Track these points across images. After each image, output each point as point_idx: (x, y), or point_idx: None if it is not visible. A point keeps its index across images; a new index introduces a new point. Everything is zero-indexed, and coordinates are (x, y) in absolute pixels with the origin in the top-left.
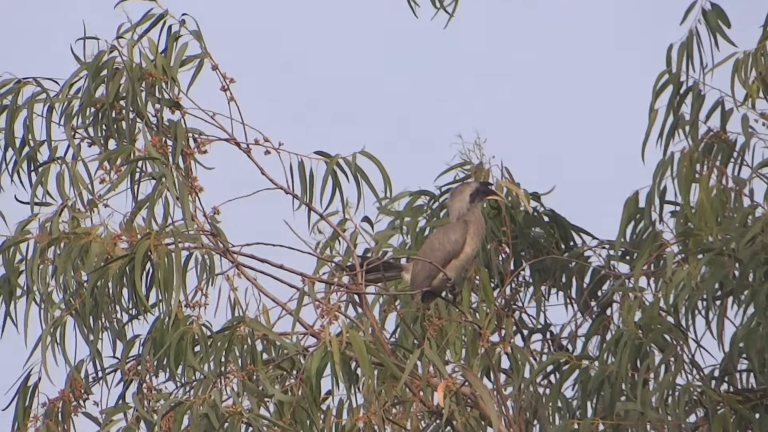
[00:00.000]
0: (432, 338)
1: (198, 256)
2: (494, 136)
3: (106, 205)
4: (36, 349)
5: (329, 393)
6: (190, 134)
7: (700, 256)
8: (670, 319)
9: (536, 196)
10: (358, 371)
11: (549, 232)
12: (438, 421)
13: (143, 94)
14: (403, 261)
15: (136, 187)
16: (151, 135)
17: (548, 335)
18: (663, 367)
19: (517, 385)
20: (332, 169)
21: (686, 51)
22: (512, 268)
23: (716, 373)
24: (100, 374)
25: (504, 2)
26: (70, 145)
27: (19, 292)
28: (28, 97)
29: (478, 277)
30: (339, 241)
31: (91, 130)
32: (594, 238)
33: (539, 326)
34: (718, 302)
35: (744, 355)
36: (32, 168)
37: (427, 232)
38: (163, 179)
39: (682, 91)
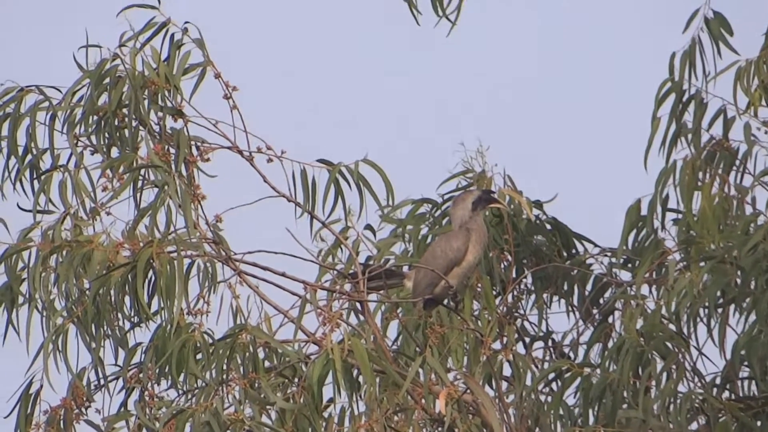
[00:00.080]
0: (434, 346)
1: (200, 264)
2: (495, 143)
3: (108, 213)
4: (38, 357)
5: (331, 401)
6: (192, 142)
7: (702, 263)
8: (672, 326)
9: (539, 204)
10: (360, 379)
11: (551, 240)
12: (440, 429)
13: (146, 102)
14: (405, 269)
15: (138, 195)
16: (153, 143)
17: (550, 343)
18: (665, 374)
19: (519, 393)
20: (335, 177)
21: (689, 59)
22: (514, 275)
23: (718, 381)
24: (102, 382)
25: (504, 3)
26: (73, 153)
27: (21, 299)
28: (30, 105)
29: (480, 285)
30: (341, 248)
31: (93, 138)
32: (596, 245)
33: (541, 334)
34: (719, 310)
35: (746, 363)
36: (35, 176)
37: (429, 240)
38: (166, 187)
39: (684, 99)
